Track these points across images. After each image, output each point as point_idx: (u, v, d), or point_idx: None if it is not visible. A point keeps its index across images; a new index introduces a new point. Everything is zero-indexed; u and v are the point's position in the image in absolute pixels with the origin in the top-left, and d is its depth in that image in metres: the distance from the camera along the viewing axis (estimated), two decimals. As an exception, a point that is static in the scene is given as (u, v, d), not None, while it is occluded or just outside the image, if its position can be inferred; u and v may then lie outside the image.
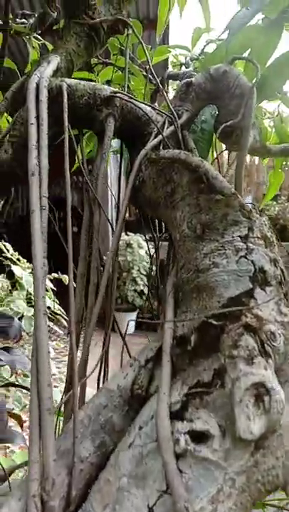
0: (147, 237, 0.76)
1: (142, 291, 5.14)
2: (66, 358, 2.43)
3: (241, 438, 0.30)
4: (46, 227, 0.45)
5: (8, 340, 0.98)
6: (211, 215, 0.45)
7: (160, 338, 0.41)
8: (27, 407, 1.87)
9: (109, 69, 0.99)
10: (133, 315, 4.92)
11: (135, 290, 5.17)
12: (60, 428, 0.52)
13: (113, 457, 0.36)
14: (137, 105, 0.57)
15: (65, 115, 0.50)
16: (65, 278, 2.45)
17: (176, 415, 0.34)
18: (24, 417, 1.79)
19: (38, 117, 0.50)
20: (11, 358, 1.01)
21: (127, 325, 0.87)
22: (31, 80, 0.54)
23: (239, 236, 0.42)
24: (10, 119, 0.65)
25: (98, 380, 0.57)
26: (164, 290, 0.47)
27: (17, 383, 1.05)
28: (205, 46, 1.01)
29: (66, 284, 2.41)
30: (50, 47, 1.05)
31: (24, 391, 1.27)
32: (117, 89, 0.57)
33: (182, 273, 0.44)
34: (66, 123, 0.50)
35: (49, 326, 2.26)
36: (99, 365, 0.57)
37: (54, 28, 0.91)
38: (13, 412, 1.30)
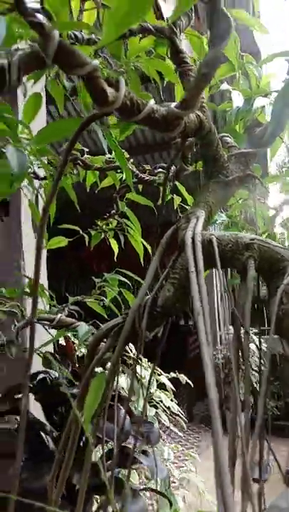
0: (256, 330, 0.80)
1: (254, 388, 4.86)
2: (186, 462, 2.36)
3: None
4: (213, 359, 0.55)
5: (149, 445, 1.06)
6: None
7: None
8: None
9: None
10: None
11: (247, 387, 4.90)
12: None
13: None
14: (272, 248, 0.69)
15: (219, 267, 0.63)
16: (182, 377, 2.51)
17: None
18: None
19: (196, 267, 0.64)
20: (151, 463, 1.08)
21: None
22: (187, 236, 0.70)
23: None
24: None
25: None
26: None
27: (154, 488, 1.10)
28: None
29: (183, 383, 2.44)
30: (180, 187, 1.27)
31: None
32: (254, 236, 0.70)
33: None
34: (220, 272, 0.63)
35: (168, 428, 2.29)
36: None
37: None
38: None
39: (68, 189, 0.90)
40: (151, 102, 0.62)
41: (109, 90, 0.55)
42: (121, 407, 1.03)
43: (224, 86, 0.95)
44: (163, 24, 0.93)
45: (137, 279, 1.23)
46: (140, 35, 0.94)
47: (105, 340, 0.76)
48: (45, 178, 1.03)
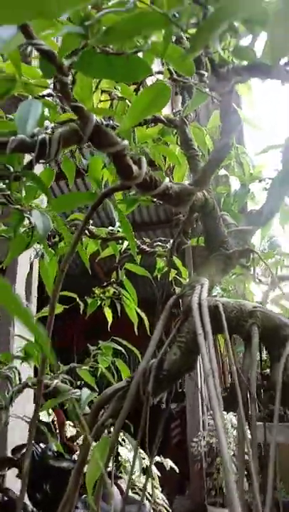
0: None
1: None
2: None
3: None
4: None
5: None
6: None
7: None
8: None
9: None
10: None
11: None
12: None
13: None
14: (274, 316, 0.73)
15: (226, 332, 0.67)
16: (166, 462, 2.37)
17: None
18: None
19: (203, 330, 0.67)
20: None
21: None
22: (193, 301, 0.74)
23: None
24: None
25: None
26: None
27: None
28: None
29: (167, 469, 2.31)
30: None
31: None
32: (256, 304, 0.75)
33: None
34: (227, 336, 0.66)
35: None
36: None
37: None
38: None
39: (83, 255, 0.94)
40: (167, 179, 0.69)
41: (134, 167, 0.62)
42: (114, 486, 0.97)
43: (222, 171, 1.06)
44: (170, 116, 1.06)
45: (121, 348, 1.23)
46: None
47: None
48: (53, 244, 1.08)
